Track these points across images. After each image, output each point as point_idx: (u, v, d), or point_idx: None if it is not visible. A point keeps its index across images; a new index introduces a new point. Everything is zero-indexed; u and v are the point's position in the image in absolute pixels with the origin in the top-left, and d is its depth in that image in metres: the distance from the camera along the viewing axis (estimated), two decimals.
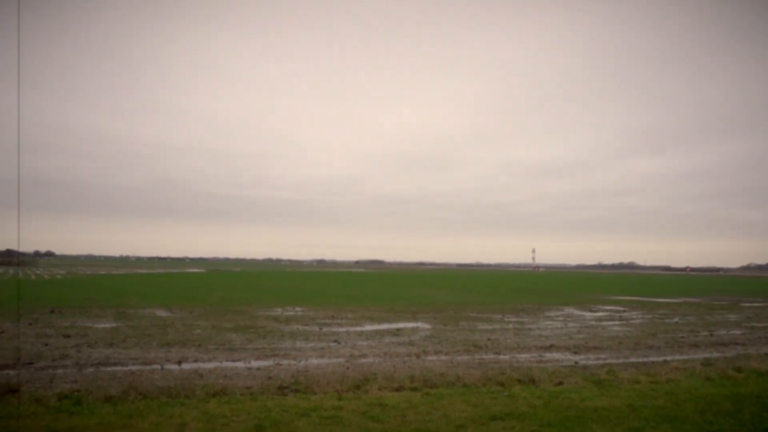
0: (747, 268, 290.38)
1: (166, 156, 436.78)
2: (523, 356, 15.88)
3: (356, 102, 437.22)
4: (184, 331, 19.58)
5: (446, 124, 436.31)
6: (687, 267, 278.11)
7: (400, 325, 23.23)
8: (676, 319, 27.85)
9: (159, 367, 13.34)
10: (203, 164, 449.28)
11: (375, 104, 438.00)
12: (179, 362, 13.96)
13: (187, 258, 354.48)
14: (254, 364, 13.96)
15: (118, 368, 13.06)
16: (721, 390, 11.32)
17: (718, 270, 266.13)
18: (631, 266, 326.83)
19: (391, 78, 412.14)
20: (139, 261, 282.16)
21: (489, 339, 19.25)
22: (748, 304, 40.66)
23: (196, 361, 14.23)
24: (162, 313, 26.08)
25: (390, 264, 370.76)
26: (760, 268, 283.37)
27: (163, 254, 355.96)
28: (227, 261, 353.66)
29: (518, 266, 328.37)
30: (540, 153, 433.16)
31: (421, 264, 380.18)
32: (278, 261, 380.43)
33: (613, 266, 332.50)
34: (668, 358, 15.93)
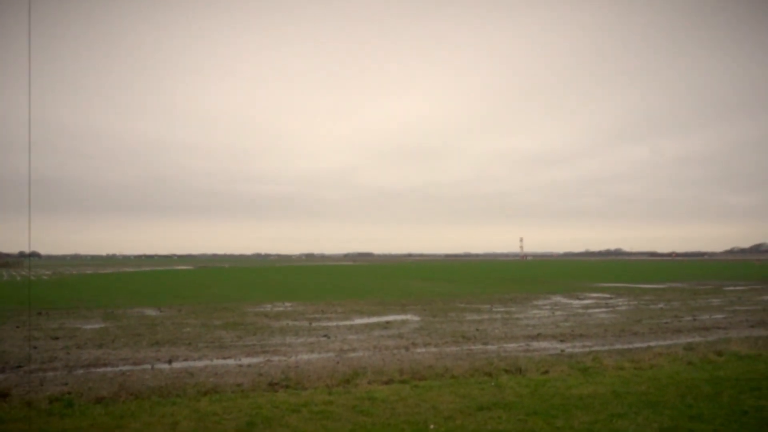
0: (730, 252, 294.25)
1: (157, 153, 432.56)
2: (511, 346, 16.12)
3: (350, 94, 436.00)
4: (174, 330, 19.62)
5: (440, 115, 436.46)
6: (672, 252, 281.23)
7: (390, 317, 23.41)
8: (660, 305, 28.29)
9: (149, 366, 13.40)
10: (193, 160, 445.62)
11: (369, 96, 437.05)
12: (170, 361, 14.02)
13: (175, 255, 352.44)
14: (245, 361, 14.07)
15: (109, 369, 13.11)
16: (701, 374, 11.60)
17: (702, 255, 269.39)
18: (617, 253, 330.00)
19: (386, 69, 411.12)
20: (126, 260, 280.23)
21: (477, 329, 19.49)
22: (730, 288, 41.35)
23: (186, 359, 14.30)
24: (151, 312, 26.05)
25: (379, 256, 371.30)
26: (743, 251, 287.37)
27: (150, 252, 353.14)
28: (215, 257, 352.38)
29: (506, 255, 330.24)
30: (534, 142, 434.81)
31: (409, 255, 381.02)
32: (267, 256, 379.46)
33: (600, 253, 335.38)
34: (652, 343, 16.24)
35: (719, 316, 23.35)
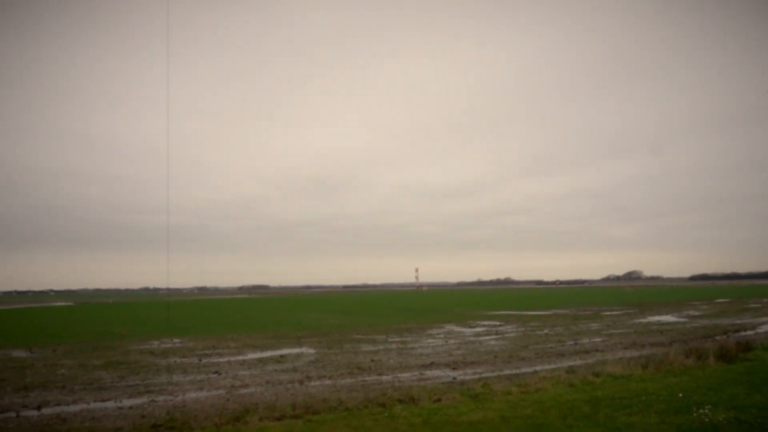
0: (607, 279, 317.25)
1: (46, 181, 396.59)
2: (405, 375, 16.25)
3: (258, 126, 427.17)
4: (46, 372, 18.00)
5: (348, 148, 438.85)
6: (556, 280, 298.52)
7: (284, 351, 22.89)
8: (546, 330, 29.80)
9: (14, 414, 12.16)
10: (85, 190, 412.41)
11: (277, 128, 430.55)
12: (39, 407, 12.82)
13: (52, 291, 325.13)
14: (126, 402, 13.14)
15: None
16: (581, 395, 12.28)
17: (583, 282, 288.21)
18: (507, 282, 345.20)
19: (294, 101, 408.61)
20: None
21: (372, 360, 19.50)
22: (607, 313, 44.43)
23: (59, 404, 13.14)
24: (20, 353, 23.77)
25: (275, 289, 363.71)
26: (618, 278, 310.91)
27: (22, 288, 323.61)
28: (99, 292, 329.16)
29: (403, 285, 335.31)
30: (439, 175, 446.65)
31: (308, 287, 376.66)
32: (155, 290, 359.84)
33: (491, 282, 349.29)
34: (538, 368, 17.02)
35: (597, 339, 24.94)
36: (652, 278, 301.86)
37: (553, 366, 17.36)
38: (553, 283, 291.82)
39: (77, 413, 12.09)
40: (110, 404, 13.01)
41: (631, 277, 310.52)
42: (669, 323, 33.61)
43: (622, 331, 28.58)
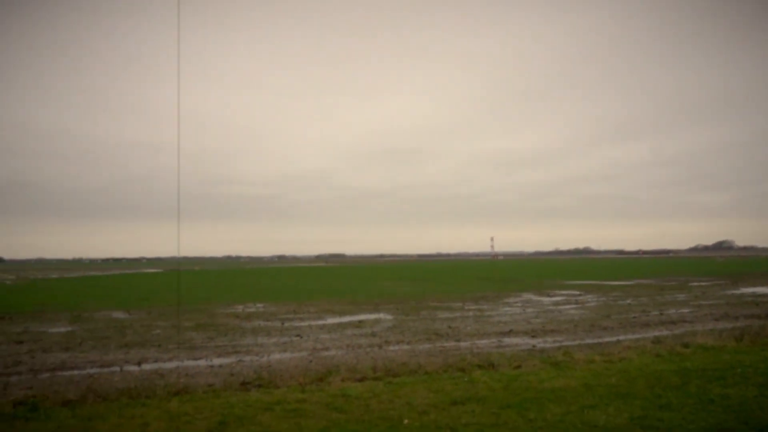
0: (695, 249, 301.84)
1: (131, 154, 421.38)
2: (483, 342, 16.23)
3: (334, 96, 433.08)
4: (143, 332, 19.26)
5: (419, 117, 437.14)
6: (639, 250, 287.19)
7: (362, 317, 23.37)
8: (628, 300, 28.83)
9: (118, 369, 13.13)
10: (167, 161, 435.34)
11: (353, 98, 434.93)
12: (139, 363, 13.76)
13: (144, 258, 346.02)
14: (216, 361, 13.88)
15: (76, 372, 12.79)
16: (669, 365, 11.83)
17: (668, 252, 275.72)
18: (586, 251, 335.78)
19: (365, 73, 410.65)
20: (92, 263, 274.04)
21: (450, 327, 19.58)
22: (695, 284, 42.37)
23: (156, 361, 14.05)
24: (119, 315, 25.54)
25: (351, 257, 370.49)
26: (707, 248, 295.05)
27: (118, 255, 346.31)
28: (186, 260, 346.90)
29: (478, 255, 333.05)
30: (511, 144, 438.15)
31: (381, 256, 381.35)
32: (238, 258, 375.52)
33: (569, 252, 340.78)
34: (621, 337, 16.53)
35: (685, 310, 23.89)
36: (745, 248, 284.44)
37: (637, 336, 16.81)
38: (636, 252, 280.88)
39: (173, 370, 12.89)
40: (202, 362, 13.78)
41: (722, 246, 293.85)
42: (766, 295, 31.65)
43: (713, 302, 27.21)
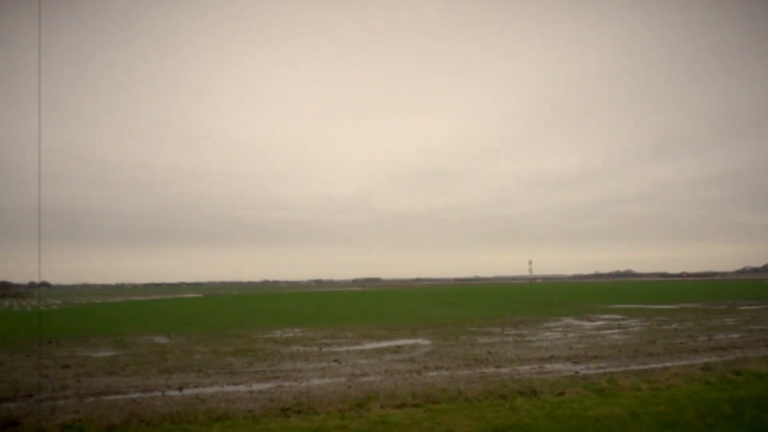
0: (743, 271, 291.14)
1: (174, 180, 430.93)
2: (524, 368, 15.91)
3: (373, 119, 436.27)
4: (184, 357, 19.52)
5: (457, 139, 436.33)
6: (683, 273, 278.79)
7: (400, 342, 23.21)
8: (674, 325, 27.93)
9: (160, 393, 13.31)
10: (210, 187, 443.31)
11: (387, 121, 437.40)
12: (180, 388, 13.92)
13: (184, 283, 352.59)
14: (255, 387, 13.94)
15: (119, 397, 13.02)
16: (721, 394, 11.38)
17: (714, 275, 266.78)
18: (627, 274, 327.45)
19: (404, 94, 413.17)
20: (135, 288, 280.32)
21: (489, 352, 19.27)
22: (745, 308, 40.80)
23: (197, 386, 14.20)
24: (160, 339, 25.97)
25: (387, 281, 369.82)
26: (755, 270, 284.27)
27: (158, 281, 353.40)
28: (224, 285, 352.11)
29: (515, 278, 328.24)
30: (553, 163, 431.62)
31: (418, 280, 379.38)
32: (275, 282, 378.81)
33: (609, 275, 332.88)
34: (668, 364, 15.99)
35: (735, 335, 23.00)
36: None
37: (685, 362, 16.23)
38: (680, 275, 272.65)
39: (213, 395, 13.00)
40: (242, 387, 13.86)
41: None
42: None
43: (764, 327, 26.14)
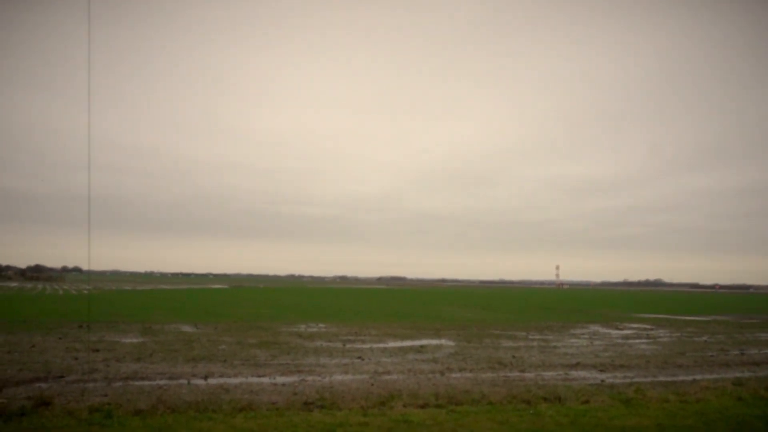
0: None
1: (207, 172, 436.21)
2: (549, 374, 15.73)
3: (399, 119, 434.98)
4: (210, 347, 19.78)
5: (489, 141, 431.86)
6: (716, 284, 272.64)
7: (424, 341, 23.16)
8: (705, 338, 27.31)
9: (186, 381, 13.51)
10: (241, 181, 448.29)
11: (418, 121, 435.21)
12: (205, 377, 14.12)
13: (211, 274, 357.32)
14: (279, 379, 14.06)
15: (146, 383, 13.25)
16: (753, 410, 11.09)
17: (748, 288, 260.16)
18: (657, 283, 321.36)
19: (435, 95, 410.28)
20: (163, 277, 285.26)
21: (513, 356, 19.11)
22: None
23: (222, 376, 14.37)
24: (187, 328, 26.37)
25: (411, 281, 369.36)
26: None
27: (187, 270, 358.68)
28: (250, 277, 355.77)
29: (542, 283, 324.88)
30: (587, 169, 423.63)
31: (443, 281, 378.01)
32: (300, 277, 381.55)
33: (639, 283, 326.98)
34: (697, 377, 15.64)
35: None
36: None
37: (715, 376, 15.85)
38: (712, 287, 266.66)
39: (238, 385, 13.14)
40: (265, 380, 13.98)
41: None
42: None
43: None
